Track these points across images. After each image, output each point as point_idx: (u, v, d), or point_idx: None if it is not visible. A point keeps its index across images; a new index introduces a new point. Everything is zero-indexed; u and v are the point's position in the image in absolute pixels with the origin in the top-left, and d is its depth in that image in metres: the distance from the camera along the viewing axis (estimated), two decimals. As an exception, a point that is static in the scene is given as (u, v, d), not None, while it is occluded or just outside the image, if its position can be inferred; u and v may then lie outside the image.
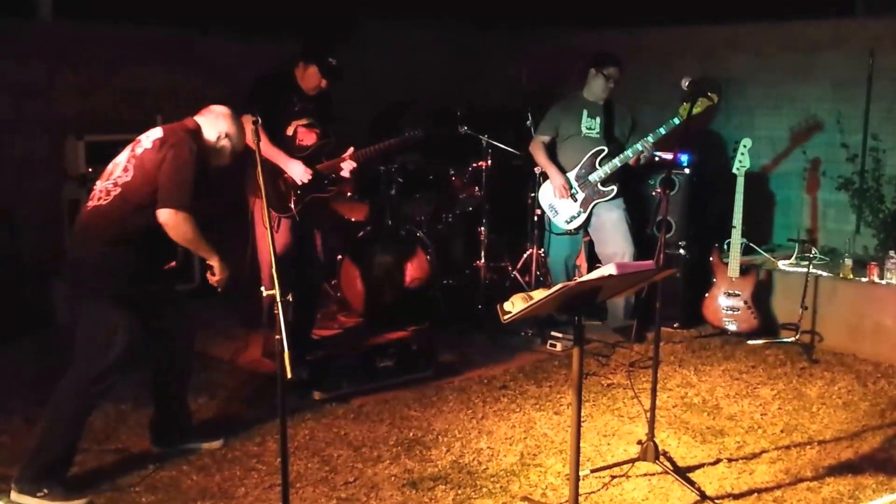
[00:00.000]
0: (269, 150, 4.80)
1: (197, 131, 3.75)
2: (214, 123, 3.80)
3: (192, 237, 3.61)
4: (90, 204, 3.67)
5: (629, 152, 5.56)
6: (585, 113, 5.72)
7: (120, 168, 3.65)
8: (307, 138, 5.00)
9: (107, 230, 3.58)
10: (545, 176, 5.84)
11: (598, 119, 5.71)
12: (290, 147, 4.94)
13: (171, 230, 3.56)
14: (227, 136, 3.81)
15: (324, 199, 5.16)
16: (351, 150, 5.10)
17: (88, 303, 3.61)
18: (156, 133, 3.70)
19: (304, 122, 4.98)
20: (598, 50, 5.82)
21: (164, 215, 3.54)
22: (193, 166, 3.60)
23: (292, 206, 4.93)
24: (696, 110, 5.05)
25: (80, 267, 3.63)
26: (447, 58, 7.63)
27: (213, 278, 3.78)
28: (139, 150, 3.66)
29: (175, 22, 6.33)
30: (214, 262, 3.74)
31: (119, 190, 3.60)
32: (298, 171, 4.88)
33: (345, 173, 5.11)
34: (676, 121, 5.33)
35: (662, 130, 5.45)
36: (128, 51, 6.21)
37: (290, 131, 4.95)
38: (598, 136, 5.71)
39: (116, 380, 3.65)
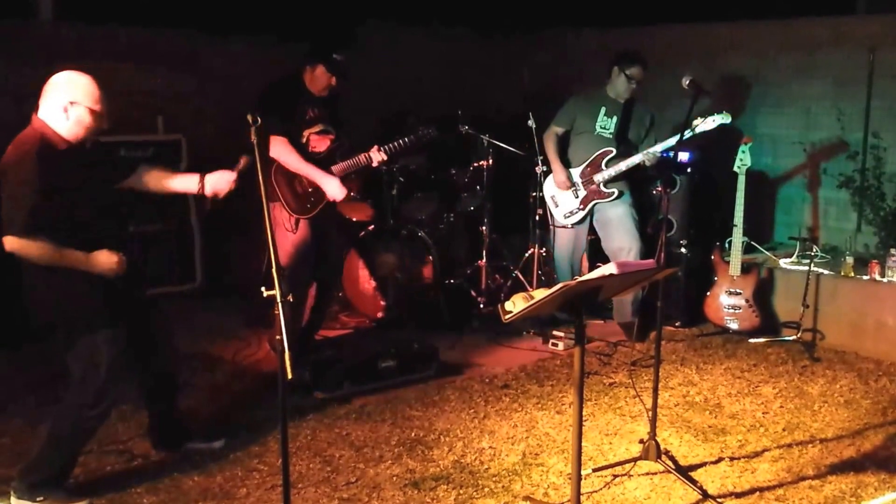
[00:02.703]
0: (302, 167, 4.85)
1: (42, 129, 3.37)
2: (53, 103, 3.38)
3: (43, 257, 3.29)
4: None
5: (635, 158, 5.54)
6: (603, 111, 5.70)
7: None
8: (319, 144, 5.00)
9: (37, 271, 3.36)
10: (547, 173, 5.87)
11: (614, 119, 5.69)
12: (303, 154, 4.95)
13: (24, 257, 3.29)
14: (70, 104, 3.37)
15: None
16: (376, 146, 5.11)
17: (64, 336, 3.50)
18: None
19: (316, 129, 4.98)
20: (626, 48, 5.80)
21: (8, 244, 3.25)
22: (32, 181, 3.23)
23: (312, 207, 4.95)
24: (711, 127, 5.13)
25: (41, 306, 3.49)
26: (449, 63, 7.63)
27: (108, 274, 3.44)
28: None
29: (175, 24, 6.33)
30: (88, 265, 3.40)
31: None
32: (334, 189, 4.89)
33: (374, 164, 5.12)
34: (687, 134, 5.27)
35: (672, 142, 5.39)
36: (128, 53, 6.21)
37: (302, 139, 4.95)
38: (611, 136, 5.69)
39: (113, 400, 3.59)
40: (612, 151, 5.66)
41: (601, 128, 5.70)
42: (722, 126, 5.28)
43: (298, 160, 4.84)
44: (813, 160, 6.36)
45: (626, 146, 5.71)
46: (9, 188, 3.28)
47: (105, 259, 3.44)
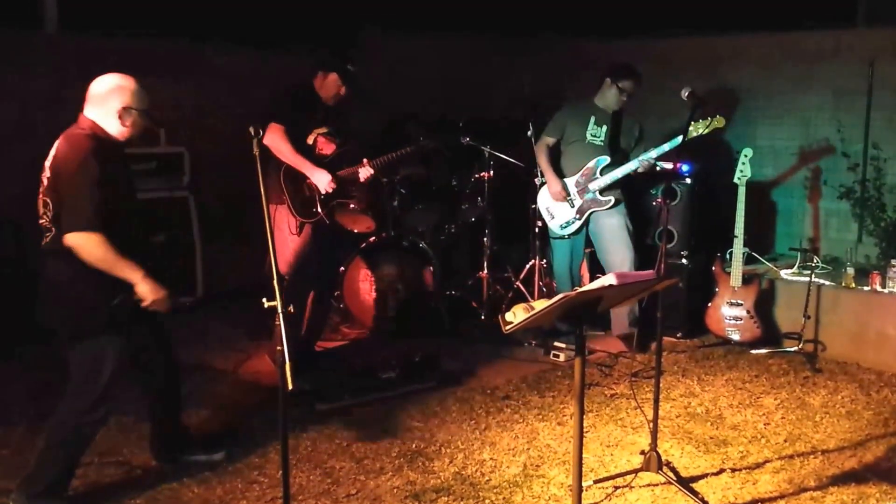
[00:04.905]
0: (294, 158, 4.88)
1: (93, 129, 3.47)
2: (105, 106, 3.47)
3: (105, 258, 3.34)
4: (43, 241, 3.50)
5: (631, 164, 5.58)
6: (593, 119, 5.73)
7: (41, 204, 3.48)
8: (326, 147, 5.03)
9: (68, 266, 3.39)
10: (542, 184, 5.87)
11: (604, 127, 5.72)
12: (310, 156, 4.98)
13: (83, 254, 3.32)
14: (124, 109, 3.47)
15: (344, 205, 5.25)
16: (365, 160, 5.13)
17: (71, 337, 3.51)
18: (51, 154, 3.47)
19: (323, 130, 5.01)
20: (618, 60, 5.81)
21: (70, 240, 3.30)
22: (93, 176, 3.33)
23: (318, 210, 4.96)
24: (704, 131, 5.10)
25: (54, 309, 3.51)
26: (450, 67, 7.65)
27: (144, 303, 3.46)
28: (45, 181, 3.46)
29: (179, 33, 6.35)
30: (138, 281, 3.41)
31: (51, 224, 3.44)
32: (323, 181, 4.92)
33: (361, 178, 5.15)
34: (680, 139, 5.29)
35: (667, 147, 5.42)
36: (133, 62, 6.22)
37: (310, 140, 4.98)
38: (603, 144, 5.73)
39: (113, 406, 3.62)
40: (606, 159, 5.69)
41: (592, 136, 5.73)
42: (717, 132, 5.28)
43: (291, 151, 4.86)
44: (813, 171, 6.37)
45: (619, 154, 5.74)
46: (71, 185, 3.35)
47: (151, 288, 3.45)
